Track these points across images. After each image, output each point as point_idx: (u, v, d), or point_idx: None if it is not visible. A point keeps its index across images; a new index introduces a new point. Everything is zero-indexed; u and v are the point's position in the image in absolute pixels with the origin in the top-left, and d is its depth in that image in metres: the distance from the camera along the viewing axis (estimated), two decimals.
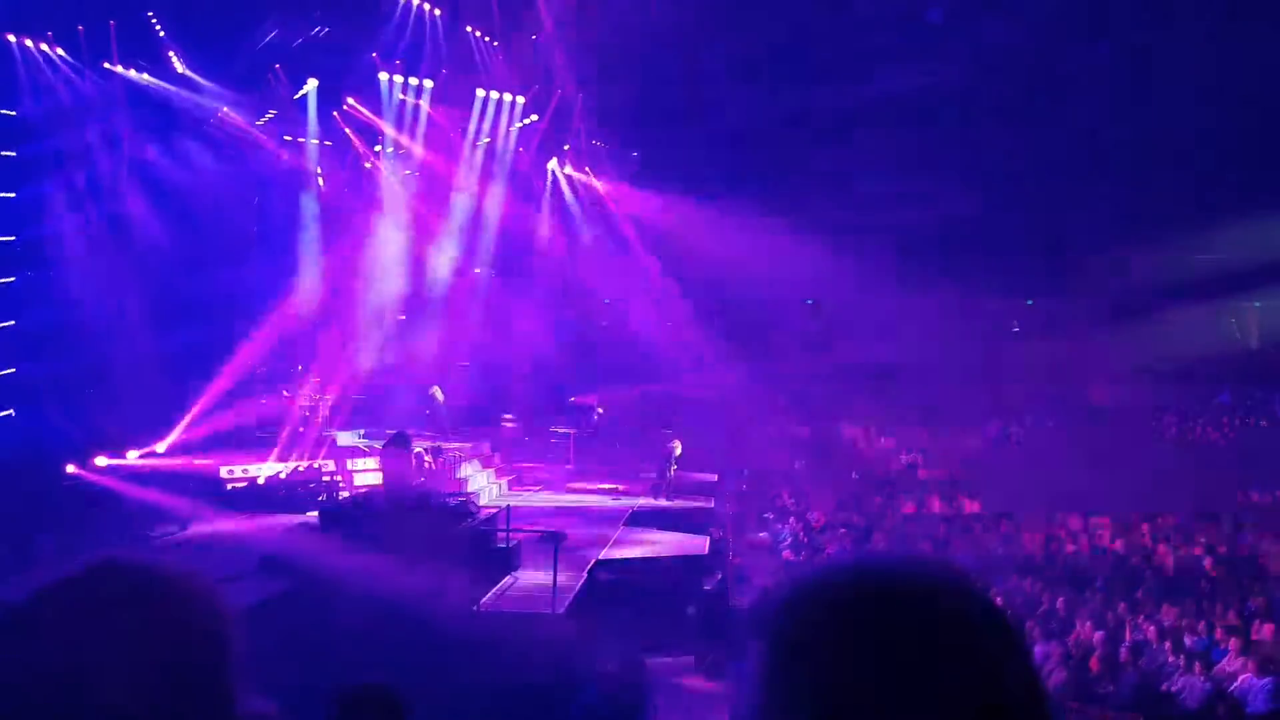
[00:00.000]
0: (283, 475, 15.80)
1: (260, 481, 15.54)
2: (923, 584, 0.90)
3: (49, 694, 1.05)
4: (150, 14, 17.05)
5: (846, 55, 20.13)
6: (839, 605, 0.89)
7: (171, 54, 17.56)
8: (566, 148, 23.65)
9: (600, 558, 12.98)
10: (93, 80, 16.89)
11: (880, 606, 0.88)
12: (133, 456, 15.04)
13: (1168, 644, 10.70)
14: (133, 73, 17.33)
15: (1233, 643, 10.36)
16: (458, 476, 16.19)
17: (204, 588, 1.20)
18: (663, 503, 16.92)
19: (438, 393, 18.94)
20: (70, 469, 13.84)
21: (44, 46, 16.34)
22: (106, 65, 17.06)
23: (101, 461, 14.50)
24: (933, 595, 0.89)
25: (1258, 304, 27.28)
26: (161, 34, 17.28)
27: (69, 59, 16.59)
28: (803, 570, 0.96)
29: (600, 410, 21.46)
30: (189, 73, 17.94)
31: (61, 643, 1.09)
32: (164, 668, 1.10)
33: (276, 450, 16.30)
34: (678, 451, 17.54)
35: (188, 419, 16.04)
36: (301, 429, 17.24)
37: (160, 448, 15.60)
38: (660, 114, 21.90)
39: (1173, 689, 9.88)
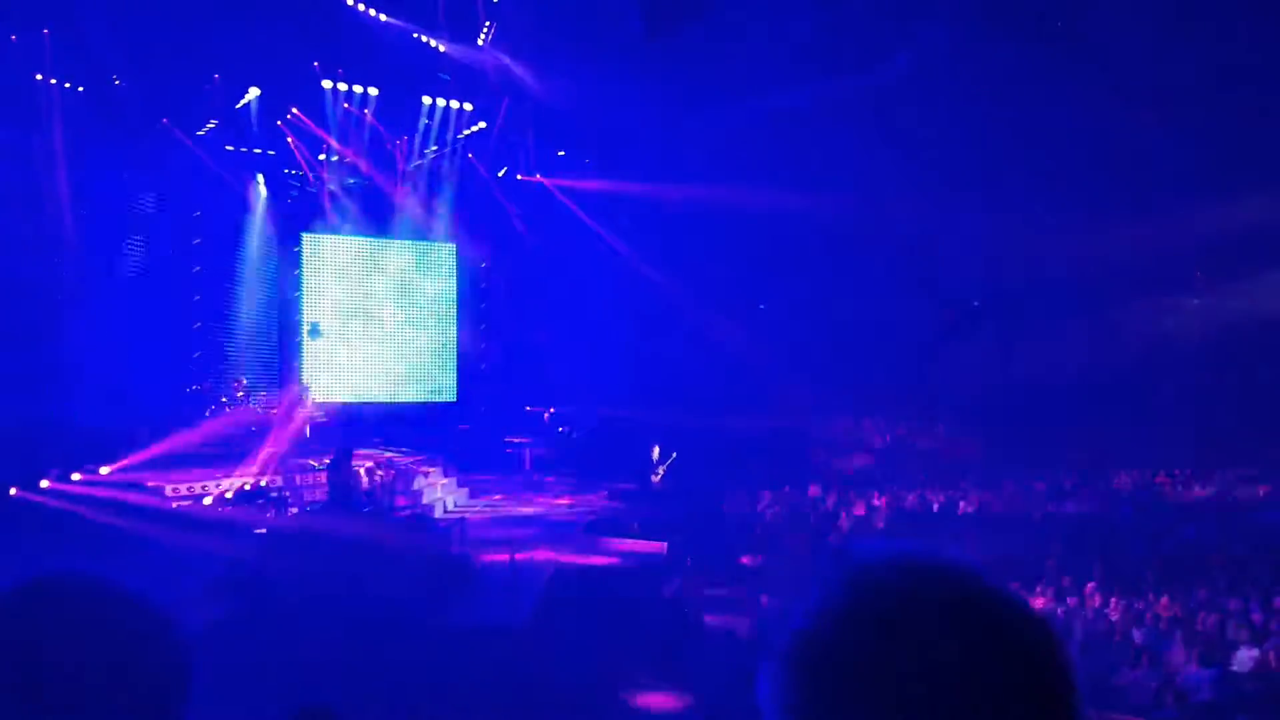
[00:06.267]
0: (229, 494, 15.48)
1: (206, 500, 15.21)
2: (972, 598, 0.87)
3: None
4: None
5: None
6: (883, 627, 0.85)
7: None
8: (518, 155, 23.57)
9: (559, 568, 12.91)
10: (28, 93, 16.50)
11: (927, 626, 0.84)
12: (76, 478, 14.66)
13: (1117, 638, 10.95)
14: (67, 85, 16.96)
15: (1178, 635, 10.64)
16: (413, 489, 16.00)
17: (157, 608, 1.15)
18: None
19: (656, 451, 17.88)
20: (12, 491, 13.45)
21: None
22: (39, 77, 16.65)
23: (44, 484, 14.14)
24: (984, 611, 0.86)
25: (1196, 300, 28.04)
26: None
27: None
28: (818, 586, 0.91)
29: (550, 412, 21.28)
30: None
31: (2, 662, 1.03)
32: (114, 690, 1.05)
33: (224, 467, 16.00)
34: (656, 455, 17.42)
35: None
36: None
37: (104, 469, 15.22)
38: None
39: (1123, 683, 10.10)
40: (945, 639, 0.83)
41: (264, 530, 12.96)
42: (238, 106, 19.54)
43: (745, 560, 16.92)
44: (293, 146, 20.71)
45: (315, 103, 20.13)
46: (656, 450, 17.29)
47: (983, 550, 15.07)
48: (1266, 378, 21.82)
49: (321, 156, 21.25)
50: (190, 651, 1.15)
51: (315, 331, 21.67)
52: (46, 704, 1.03)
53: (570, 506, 17.34)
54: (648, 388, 21.94)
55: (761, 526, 17.96)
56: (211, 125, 19.55)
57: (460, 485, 18.27)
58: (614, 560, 13.78)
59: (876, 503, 18.48)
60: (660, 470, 17.12)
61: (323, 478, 15.24)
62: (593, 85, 18.91)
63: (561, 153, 23.75)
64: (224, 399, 18.92)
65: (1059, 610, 12.15)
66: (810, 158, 21.37)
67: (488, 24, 18.52)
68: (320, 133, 20.58)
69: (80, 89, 17.41)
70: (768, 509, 18.92)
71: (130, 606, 1.13)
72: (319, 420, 19.27)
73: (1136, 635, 11.09)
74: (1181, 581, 12.78)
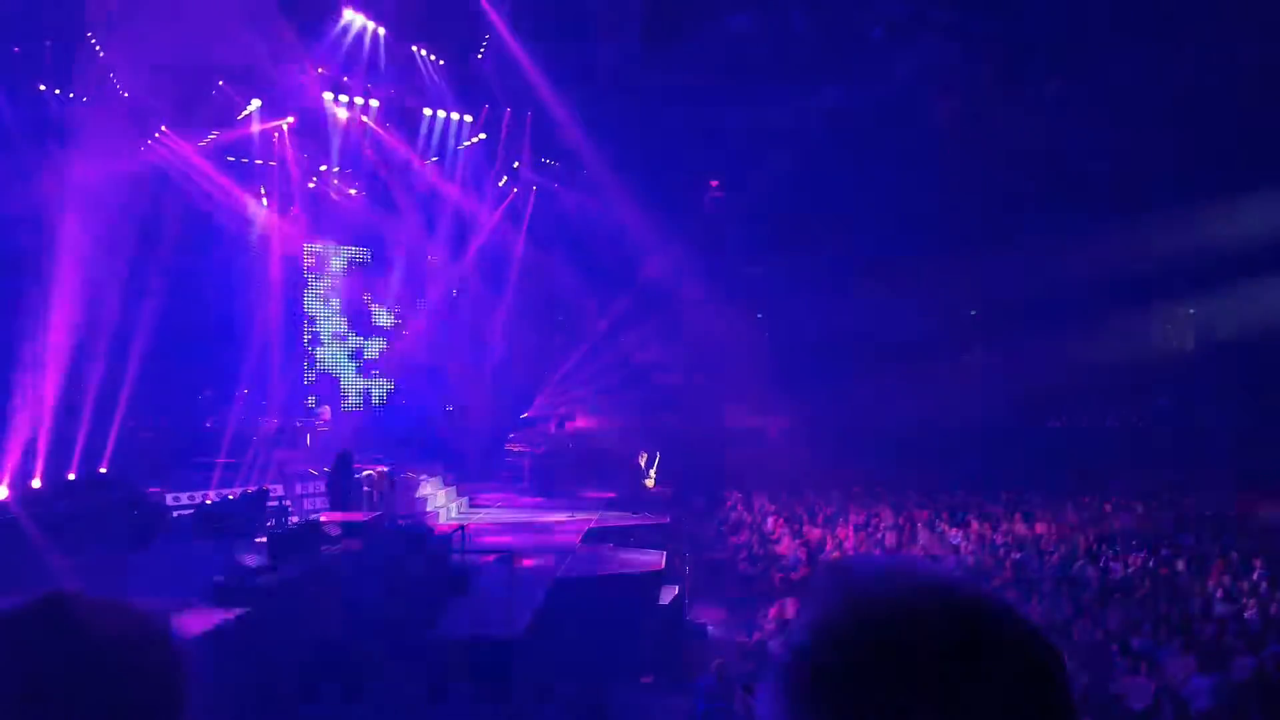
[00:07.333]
0: (230, 498, 15.49)
1: (207, 506, 15.21)
2: (970, 612, 0.86)
3: None
4: (90, 34, 16.72)
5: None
6: (882, 643, 0.84)
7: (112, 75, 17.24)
8: (516, 165, 23.63)
9: (557, 577, 12.90)
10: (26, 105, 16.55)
11: (925, 641, 0.84)
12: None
13: (1114, 646, 10.94)
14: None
15: (1176, 642, 10.63)
16: (416, 496, 16.02)
17: (156, 624, 1.17)
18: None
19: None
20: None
21: None
22: (42, 87, 16.72)
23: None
24: (982, 626, 0.85)
25: (1192, 310, 28.09)
26: (101, 54, 16.96)
27: None
28: (816, 607, 0.89)
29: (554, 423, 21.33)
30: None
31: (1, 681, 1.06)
32: (112, 703, 1.08)
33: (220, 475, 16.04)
34: (643, 462, 17.42)
35: None
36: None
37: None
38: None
39: (1120, 691, 10.10)
40: (944, 655, 0.82)
41: (264, 538, 12.95)
42: (239, 117, 19.60)
43: (743, 568, 16.93)
44: (294, 158, 20.77)
45: (316, 114, 20.19)
46: (644, 457, 17.31)
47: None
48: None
49: (323, 167, 21.30)
50: (186, 663, 1.17)
51: (316, 341, 21.74)
52: (46, 716, 1.06)
53: (569, 515, 17.33)
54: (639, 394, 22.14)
55: (759, 535, 17.97)
56: (213, 136, 19.61)
57: (460, 494, 18.29)
58: (612, 569, 13.77)
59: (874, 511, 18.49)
60: (651, 474, 17.14)
61: (322, 485, 15.28)
62: (591, 96, 18.99)
63: (555, 163, 23.88)
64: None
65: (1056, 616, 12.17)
66: (805, 169, 21.47)
67: (486, 37, 18.62)
68: (321, 144, 20.64)
69: (85, 99, 17.47)
70: (769, 516, 18.94)
71: (128, 618, 1.15)
72: (321, 429, 19.32)
73: (1135, 643, 11.09)
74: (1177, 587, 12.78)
